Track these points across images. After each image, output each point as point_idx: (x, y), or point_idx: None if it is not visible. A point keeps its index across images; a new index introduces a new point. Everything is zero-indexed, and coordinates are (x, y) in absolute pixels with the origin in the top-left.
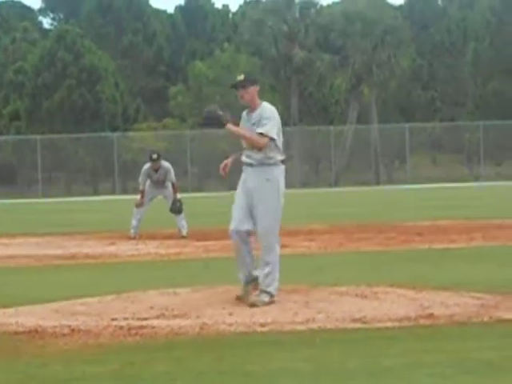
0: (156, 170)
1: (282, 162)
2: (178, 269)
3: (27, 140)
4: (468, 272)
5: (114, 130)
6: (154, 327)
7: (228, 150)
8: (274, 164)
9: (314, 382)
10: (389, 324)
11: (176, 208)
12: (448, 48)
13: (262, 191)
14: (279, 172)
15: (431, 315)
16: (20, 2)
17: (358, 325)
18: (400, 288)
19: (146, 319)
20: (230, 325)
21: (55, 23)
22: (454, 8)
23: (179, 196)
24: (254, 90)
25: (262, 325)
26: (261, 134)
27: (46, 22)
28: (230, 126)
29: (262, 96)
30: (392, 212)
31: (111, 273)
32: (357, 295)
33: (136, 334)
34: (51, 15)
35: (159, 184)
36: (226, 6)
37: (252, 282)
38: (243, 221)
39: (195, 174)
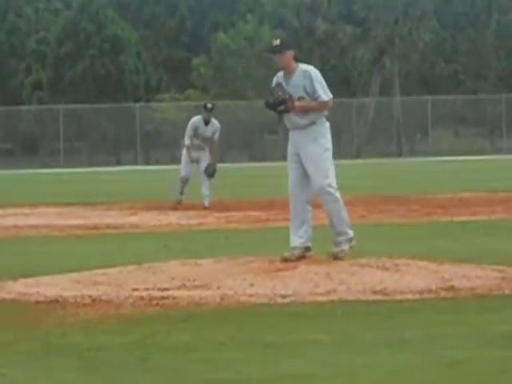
0: (207, 123)
1: (325, 119)
2: (199, 239)
3: (49, 110)
4: (489, 245)
5: (136, 100)
6: (174, 298)
7: (249, 120)
8: (319, 123)
9: (334, 353)
10: (410, 296)
11: (210, 171)
12: (471, 20)
13: (310, 151)
14: (324, 129)
15: (452, 288)
16: None
17: (378, 297)
18: (421, 260)
19: (167, 290)
20: (251, 296)
21: None
22: None
23: (215, 161)
24: (289, 54)
25: (283, 296)
26: (321, 97)
27: None
28: (297, 106)
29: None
30: (414, 184)
31: (132, 243)
32: (378, 267)
33: (157, 304)
34: None
35: (203, 142)
36: None
37: (304, 250)
38: (299, 185)
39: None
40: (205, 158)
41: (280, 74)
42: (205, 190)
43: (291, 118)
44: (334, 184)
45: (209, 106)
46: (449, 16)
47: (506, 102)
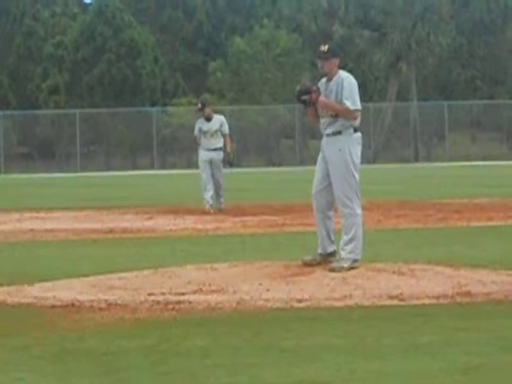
0: (208, 120)
1: (355, 130)
2: (216, 244)
3: (66, 114)
4: (506, 250)
5: (153, 104)
6: (190, 302)
7: (266, 125)
8: (347, 134)
9: (349, 358)
10: (426, 301)
11: (228, 160)
12: (488, 26)
13: (335, 161)
14: (352, 141)
15: (468, 293)
16: None
17: (394, 302)
18: (437, 265)
19: (183, 294)
20: (267, 300)
21: None
22: None
23: (230, 151)
24: (335, 62)
25: (299, 301)
26: (346, 104)
27: None
28: (320, 101)
29: (302, 72)
30: (430, 189)
31: (149, 247)
32: (394, 272)
33: (173, 308)
34: None
35: (212, 138)
36: None
37: (326, 256)
38: (321, 190)
39: (233, 148)
40: (217, 159)
41: (323, 80)
42: (217, 193)
43: (322, 123)
44: (355, 198)
45: (198, 106)
46: (466, 21)
47: None
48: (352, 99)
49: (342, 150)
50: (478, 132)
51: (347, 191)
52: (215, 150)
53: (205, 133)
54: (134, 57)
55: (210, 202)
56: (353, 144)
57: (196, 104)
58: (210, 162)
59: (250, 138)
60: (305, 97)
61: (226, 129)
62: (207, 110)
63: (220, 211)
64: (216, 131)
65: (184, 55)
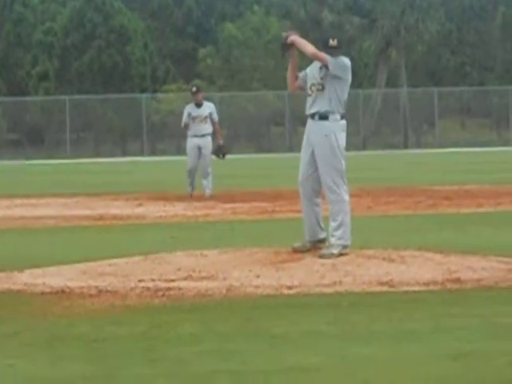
0: (198, 106)
1: (342, 117)
2: (206, 230)
3: (56, 101)
4: (495, 236)
5: (142, 91)
6: (180, 289)
7: (256, 112)
8: (333, 119)
9: (340, 344)
10: (416, 288)
11: (220, 153)
12: (477, 12)
13: (321, 147)
14: (338, 128)
15: (458, 279)
16: None
17: (384, 288)
18: (427, 252)
19: (173, 281)
20: (257, 287)
21: None
22: None
23: (221, 141)
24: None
25: (289, 287)
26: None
27: None
28: (292, 38)
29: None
30: (420, 176)
31: (139, 234)
32: (384, 259)
33: (163, 295)
34: None
35: (201, 124)
36: None
37: (315, 242)
38: (307, 177)
39: (223, 135)
40: (205, 145)
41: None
42: (204, 181)
43: (309, 105)
44: (342, 184)
45: (193, 89)
46: (455, 8)
47: None
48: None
49: (328, 135)
50: (468, 118)
51: (334, 177)
52: (203, 136)
53: (194, 118)
54: (124, 43)
55: (192, 189)
56: (338, 130)
57: (190, 89)
58: (199, 148)
59: (240, 125)
60: (283, 38)
61: (215, 116)
62: (200, 95)
63: (208, 198)
64: (205, 118)
65: (174, 41)
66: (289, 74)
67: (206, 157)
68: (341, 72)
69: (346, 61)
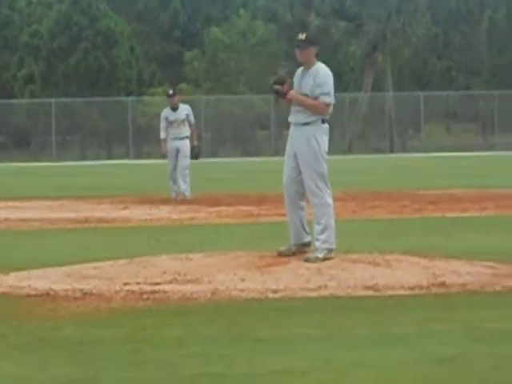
0: (174, 109)
1: (323, 121)
2: (191, 234)
3: (42, 103)
4: (480, 241)
5: (128, 94)
6: (166, 292)
7: (241, 115)
8: (315, 123)
9: (324, 348)
10: (401, 292)
11: (194, 153)
12: (464, 16)
13: (304, 151)
14: (320, 132)
15: (443, 284)
16: None
17: (369, 292)
18: (412, 256)
19: (158, 284)
20: (242, 291)
21: None
22: None
23: (196, 143)
24: (312, 50)
25: (274, 291)
26: (322, 98)
27: None
28: (291, 95)
29: (278, 62)
30: (405, 180)
31: (124, 237)
32: (369, 263)
33: (148, 298)
34: None
35: (179, 127)
36: None
37: (300, 246)
38: (291, 181)
39: (209, 139)
40: (184, 148)
41: (300, 69)
42: (182, 183)
43: (293, 113)
44: (325, 188)
45: (170, 92)
46: (442, 12)
47: (498, 99)
48: (328, 93)
49: (311, 140)
50: (454, 123)
51: (317, 181)
52: (182, 138)
53: (172, 122)
54: (110, 46)
55: (176, 192)
56: (320, 134)
57: (166, 92)
58: (177, 151)
59: (225, 128)
60: (277, 86)
61: (192, 119)
62: (176, 99)
63: (187, 201)
64: (183, 120)
65: (160, 45)
66: (283, 103)
67: (184, 159)
68: (326, 87)
69: (328, 72)
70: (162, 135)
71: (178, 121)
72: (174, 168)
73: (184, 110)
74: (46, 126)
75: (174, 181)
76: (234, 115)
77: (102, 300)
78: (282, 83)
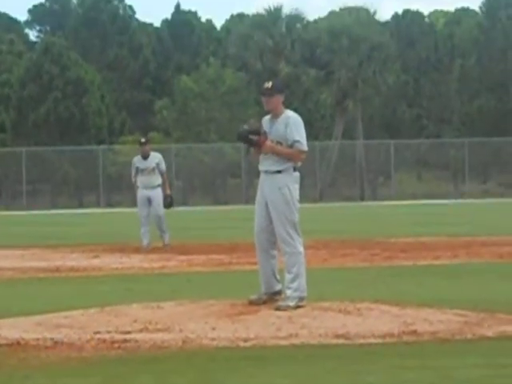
0: (145, 157)
1: (295, 169)
2: (162, 282)
3: (12, 152)
4: (452, 289)
5: (99, 142)
6: (137, 341)
7: (212, 164)
8: (286, 172)
9: None
10: (372, 340)
11: (167, 203)
12: (434, 65)
13: (275, 200)
14: (292, 179)
15: (414, 332)
16: (6, 14)
17: (341, 341)
18: (383, 304)
19: (129, 333)
20: (213, 339)
21: (41, 35)
22: (441, 24)
23: (169, 192)
24: (279, 98)
25: (245, 340)
26: (297, 146)
27: (32, 35)
28: (267, 146)
29: (248, 110)
30: (376, 228)
31: (95, 286)
32: (340, 311)
33: (119, 347)
34: (37, 27)
35: (150, 176)
36: (211, 21)
37: (271, 294)
38: (263, 229)
39: (180, 187)
40: (155, 196)
41: (267, 117)
42: (162, 232)
43: (264, 159)
44: (297, 236)
45: (142, 140)
46: (412, 60)
47: (468, 146)
48: (301, 141)
49: (282, 188)
50: (424, 171)
51: (288, 229)
52: (153, 187)
53: (142, 171)
54: (81, 95)
55: (146, 240)
56: (292, 182)
57: (139, 140)
58: (149, 200)
59: (196, 177)
60: (254, 137)
61: (163, 167)
62: (147, 147)
63: (165, 247)
64: (153, 169)
65: (130, 93)
66: (254, 153)
67: (158, 208)
68: (298, 135)
69: (299, 120)
70: (133, 179)
71: (148, 169)
72: (147, 216)
73: (155, 158)
74: (17, 175)
75: (145, 229)
76: (205, 164)
77: (73, 349)
78: (257, 133)
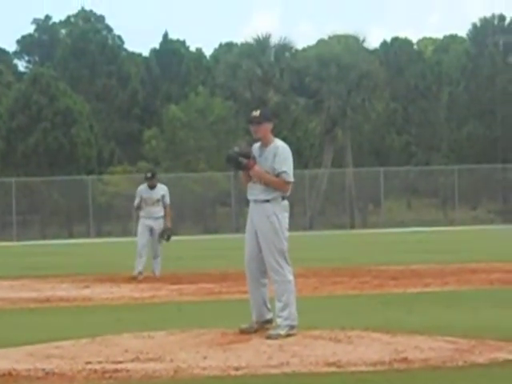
0: (152, 188)
1: (283, 198)
2: (152, 312)
3: (2, 183)
4: (442, 316)
5: (88, 173)
6: (128, 371)
7: (201, 193)
8: (275, 200)
9: None
10: (363, 368)
11: (165, 235)
12: (423, 92)
13: (264, 228)
14: (280, 209)
15: (405, 359)
16: None
17: (332, 369)
18: (374, 332)
19: (120, 362)
20: (204, 369)
21: (30, 66)
22: (429, 52)
23: (170, 225)
24: (268, 126)
25: (236, 368)
26: (283, 176)
27: (21, 65)
28: (255, 170)
29: (236, 139)
30: (366, 256)
31: (85, 316)
32: (331, 339)
33: (110, 377)
34: (26, 58)
35: (153, 206)
36: (200, 49)
37: (262, 323)
38: (253, 258)
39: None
40: (158, 227)
41: (257, 145)
42: (155, 261)
43: (253, 189)
44: (286, 265)
45: (148, 175)
46: (401, 87)
47: (458, 174)
48: (287, 172)
49: (271, 217)
50: (414, 198)
51: (277, 258)
52: (156, 218)
53: (146, 200)
54: (70, 125)
55: (141, 268)
56: (280, 211)
57: (145, 174)
58: (150, 230)
59: (186, 206)
60: (243, 160)
61: (167, 199)
62: (154, 180)
63: (157, 278)
64: (158, 200)
65: (119, 123)
66: (242, 176)
67: (157, 238)
68: (286, 165)
69: (287, 150)
70: (135, 208)
71: (152, 199)
72: (145, 245)
73: (161, 190)
74: (7, 206)
75: (142, 259)
76: (194, 193)
77: (65, 379)
78: (247, 156)
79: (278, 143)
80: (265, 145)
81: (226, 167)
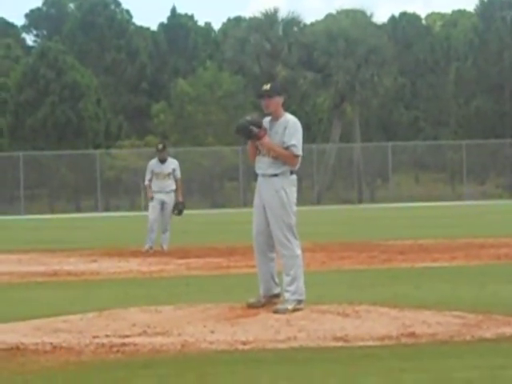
0: (163, 162)
1: (292, 172)
2: (160, 286)
3: (9, 157)
4: (450, 291)
5: (96, 147)
6: (135, 345)
7: (209, 167)
8: (283, 175)
9: None
10: (370, 343)
11: (178, 209)
12: (431, 67)
13: (272, 202)
14: (288, 183)
15: (413, 334)
16: (3, 19)
17: (339, 343)
18: (382, 307)
19: (127, 337)
20: (212, 343)
21: (38, 40)
22: (438, 27)
23: (181, 199)
24: (278, 100)
25: (244, 343)
26: (292, 150)
27: (29, 39)
28: (265, 140)
29: (245, 113)
30: (374, 231)
31: (93, 290)
32: (338, 313)
33: (118, 351)
34: (34, 32)
35: (164, 180)
36: (208, 24)
37: (270, 297)
38: (261, 233)
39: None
40: (169, 201)
41: (267, 119)
42: (163, 235)
43: (261, 162)
44: (294, 239)
45: (159, 146)
46: (409, 62)
47: (466, 148)
48: (296, 145)
49: (279, 191)
50: (422, 173)
51: (285, 232)
52: (168, 192)
53: (157, 174)
54: (77, 99)
55: (151, 244)
56: (289, 185)
57: (156, 146)
58: (162, 204)
59: (193, 180)
60: (254, 129)
61: (178, 173)
62: (165, 153)
63: (165, 252)
64: (168, 174)
65: (127, 97)
66: (250, 148)
67: (167, 212)
68: (295, 139)
69: (298, 125)
70: (146, 182)
71: (163, 173)
72: (156, 219)
73: (172, 164)
74: (14, 180)
75: (152, 234)
76: (202, 167)
77: (72, 353)
78: (258, 126)
79: (289, 117)
80: (275, 119)
81: (235, 141)
